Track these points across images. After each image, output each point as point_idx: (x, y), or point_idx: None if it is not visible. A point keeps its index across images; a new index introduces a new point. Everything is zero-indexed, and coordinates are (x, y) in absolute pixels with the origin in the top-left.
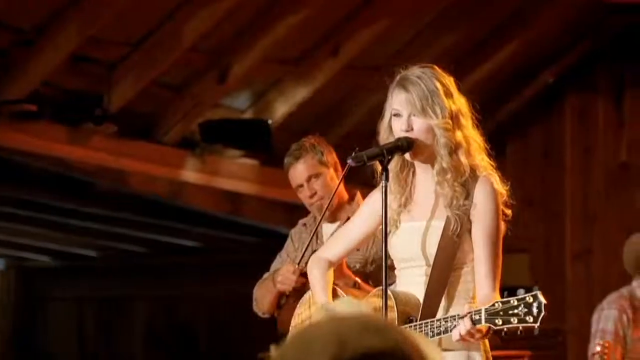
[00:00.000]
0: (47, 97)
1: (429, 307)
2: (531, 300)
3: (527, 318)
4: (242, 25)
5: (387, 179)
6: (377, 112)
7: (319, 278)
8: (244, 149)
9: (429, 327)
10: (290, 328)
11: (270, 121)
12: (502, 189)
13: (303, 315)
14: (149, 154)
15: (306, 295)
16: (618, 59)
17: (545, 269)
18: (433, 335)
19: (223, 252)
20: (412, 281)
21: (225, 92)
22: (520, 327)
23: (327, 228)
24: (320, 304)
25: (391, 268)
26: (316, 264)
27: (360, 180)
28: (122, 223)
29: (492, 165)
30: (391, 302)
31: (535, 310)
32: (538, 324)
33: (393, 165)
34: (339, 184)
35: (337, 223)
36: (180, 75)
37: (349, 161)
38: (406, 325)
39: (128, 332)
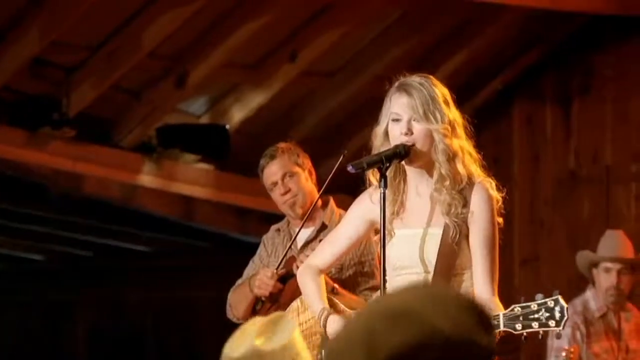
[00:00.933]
0: (5, 101)
1: None
2: (553, 304)
3: (550, 322)
4: (201, 31)
5: (385, 186)
6: (331, 117)
7: (311, 285)
8: (201, 154)
9: None
10: None
11: (227, 126)
12: (497, 195)
13: None
14: (106, 158)
15: (294, 303)
16: (566, 67)
17: None
18: None
19: (171, 257)
20: None
21: (183, 97)
22: (541, 332)
23: (301, 233)
24: (317, 310)
25: (365, 274)
26: (306, 272)
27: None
28: (71, 227)
29: (486, 175)
30: None
31: (557, 315)
32: (561, 328)
33: (387, 172)
34: (326, 184)
35: (312, 228)
36: (139, 80)
37: (349, 168)
38: None
39: (72, 336)
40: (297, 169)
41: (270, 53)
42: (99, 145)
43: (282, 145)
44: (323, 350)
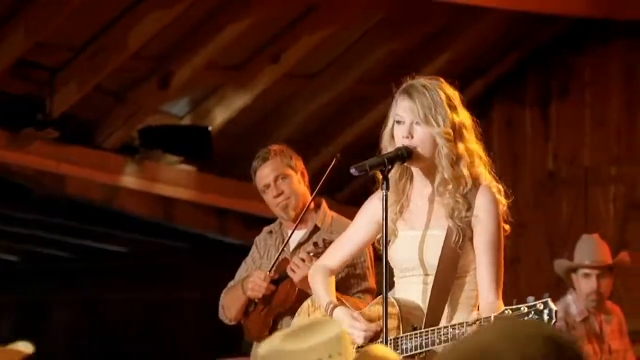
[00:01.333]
0: None
1: (433, 315)
2: (542, 307)
3: None
4: (185, 33)
5: (387, 188)
6: (314, 118)
7: (320, 283)
8: (183, 155)
9: (436, 334)
10: None
11: (210, 128)
12: (502, 199)
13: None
14: (88, 159)
15: (305, 303)
16: (546, 70)
17: None
18: (440, 343)
19: (149, 257)
20: (410, 289)
21: (166, 98)
22: None
23: (294, 235)
24: (324, 304)
25: (357, 276)
26: (317, 272)
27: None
28: (51, 228)
29: (494, 179)
30: (395, 310)
31: (546, 317)
32: None
33: (392, 173)
34: (319, 186)
35: (304, 230)
36: (122, 81)
37: (352, 171)
38: (411, 333)
39: (50, 337)
40: (289, 171)
41: (253, 55)
42: (82, 147)
43: (274, 147)
44: None
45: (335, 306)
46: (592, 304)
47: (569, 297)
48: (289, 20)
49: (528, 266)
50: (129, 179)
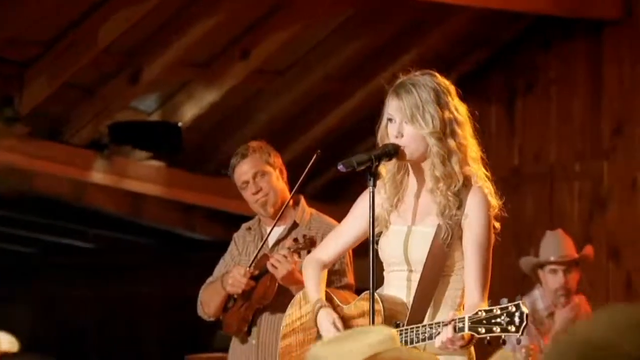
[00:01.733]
0: None
1: (416, 313)
2: (514, 309)
3: (510, 327)
4: (155, 28)
5: (374, 185)
6: (282, 115)
7: (311, 276)
8: (153, 151)
9: (414, 332)
10: (281, 328)
11: (180, 124)
12: (494, 200)
13: (293, 315)
14: (58, 155)
15: (297, 296)
16: (511, 66)
17: None
18: (418, 341)
19: (114, 254)
20: (395, 284)
21: (136, 94)
22: (503, 336)
23: (272, 232)
24: (313, 301)
25: (336, 273)
26: (310, 263)
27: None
28: (17, 224)
29: (487, 176)
30: (379, 307)
31: (517, 320)
32: (520, 333)
33: (391, 166)
34: (299, 183)
35: (283, 227)
36: (92, 76)
37: (340, 167)
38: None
39: (14, 334)
40: (268, 168)
41: (222, 51)
42: (51, 142)
43: (253, 144)
44: None
45: (321, 306)
46: (562, 299)
47: (536, 292)
48: (258, 16)
49: (493, 262)
50: (98, 175)
